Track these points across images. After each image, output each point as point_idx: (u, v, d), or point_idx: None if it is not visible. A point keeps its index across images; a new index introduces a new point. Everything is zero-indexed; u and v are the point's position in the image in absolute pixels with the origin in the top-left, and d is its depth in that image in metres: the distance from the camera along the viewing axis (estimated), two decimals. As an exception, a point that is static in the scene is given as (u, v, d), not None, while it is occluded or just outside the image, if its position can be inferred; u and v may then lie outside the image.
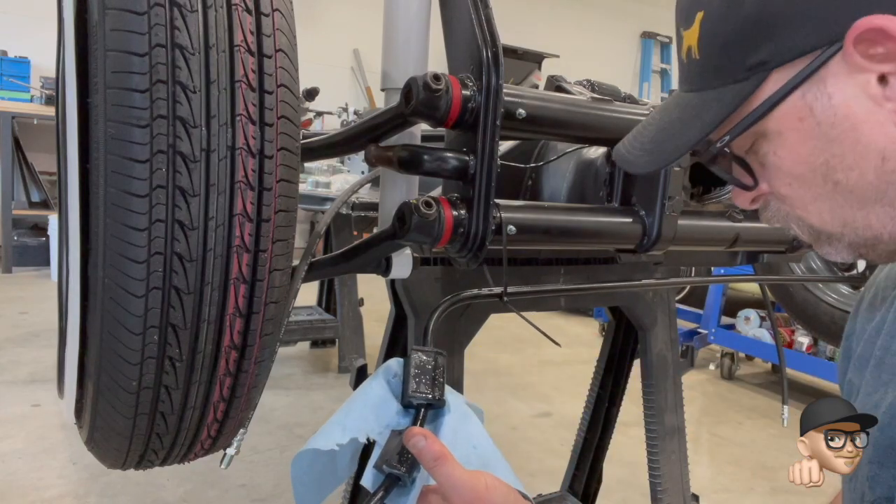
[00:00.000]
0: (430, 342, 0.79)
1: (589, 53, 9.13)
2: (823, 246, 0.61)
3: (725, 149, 0.58)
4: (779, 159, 0.57)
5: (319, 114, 4.12)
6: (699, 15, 0.57)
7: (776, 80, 0.54)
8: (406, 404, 0.76)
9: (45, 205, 5.84)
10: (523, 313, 0.98)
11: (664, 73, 10.14)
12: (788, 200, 0.59)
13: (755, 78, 0.55)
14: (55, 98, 0.98)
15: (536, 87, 2.23)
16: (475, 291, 0.97)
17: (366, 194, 2.07)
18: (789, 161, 0.56)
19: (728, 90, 0.56)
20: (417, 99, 0.78)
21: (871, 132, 0.52)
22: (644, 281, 1.47)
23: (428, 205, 0.81)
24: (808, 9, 0.51)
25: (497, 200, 0.85)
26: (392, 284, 1.20)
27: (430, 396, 0.74)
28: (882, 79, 0.50)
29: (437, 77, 0.78)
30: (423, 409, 0.75)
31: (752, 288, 4.37)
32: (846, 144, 0.53)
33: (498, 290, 0.98)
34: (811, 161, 0.55)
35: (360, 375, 1.74)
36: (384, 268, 1.04)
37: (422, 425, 0.74)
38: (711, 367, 4.39)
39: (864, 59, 0.50)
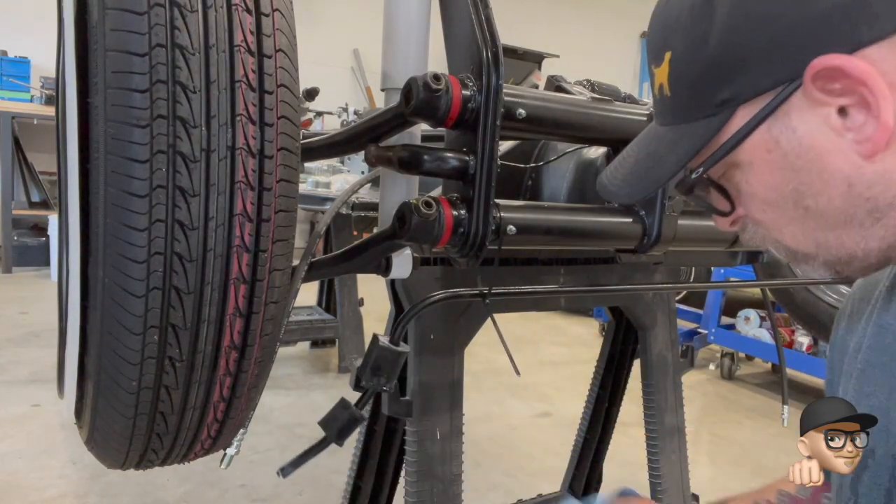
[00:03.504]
0: (401, 337, 0.82)
1: (589, 53, 9.13)
2: (800, 264, 0.64)
3: (703, 177, 0.61)
4: (751, 187, 0.60)
5: (319, 114, 4.11)
6: (667, 55, 0.60)
7: (743, 115, 0.56)
8: (356, 388, 0.80)
9: (45, 205, 5.83)
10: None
11: (664, 73, 10.12)
12: (763, 224, 0.63)
13: (723, 114, 0.57)
14: (55, 98, 0.98)
15: (536, 87, 2.23)
16: (453, 291, 0.98)
17: (366, 194, 2.07)
18: (761, 189, 0.59)
19: (699, 125, 0.59)
20: (417, 99, 0.78)
21: (836, 161, 0.54)
22: (642, 285, 1.47)
23: (428, 205, 0.81)
24: (767, 51, 0.53)
25: (497, 200, 0.85)
26: (392, 284, 1.20)
27: (380, 387, 0.78)
28: (842, 111, 0.53)
29: (437, 77, 0.78)
30: (369, 392, 0.79)
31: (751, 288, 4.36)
32: (813, 173, 0.55)
33: (479, 289, 0.98)
34: (781, 188, 0.58)
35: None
36: (384, 268, 1.04)
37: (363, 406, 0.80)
38: (711, 367, 4.39)
39: (823, 93, 0.52)
